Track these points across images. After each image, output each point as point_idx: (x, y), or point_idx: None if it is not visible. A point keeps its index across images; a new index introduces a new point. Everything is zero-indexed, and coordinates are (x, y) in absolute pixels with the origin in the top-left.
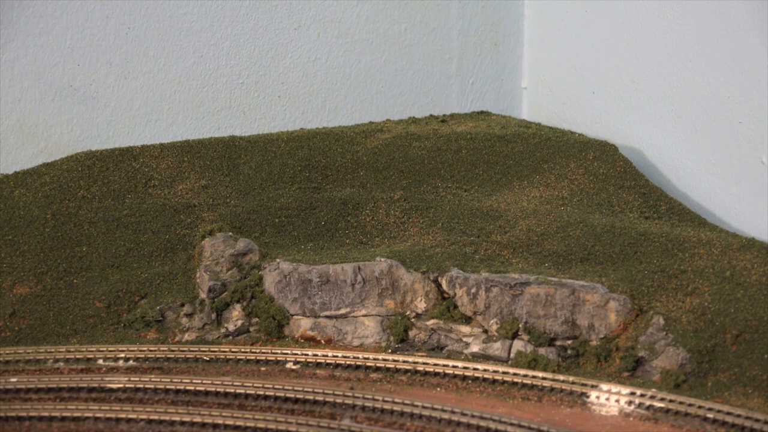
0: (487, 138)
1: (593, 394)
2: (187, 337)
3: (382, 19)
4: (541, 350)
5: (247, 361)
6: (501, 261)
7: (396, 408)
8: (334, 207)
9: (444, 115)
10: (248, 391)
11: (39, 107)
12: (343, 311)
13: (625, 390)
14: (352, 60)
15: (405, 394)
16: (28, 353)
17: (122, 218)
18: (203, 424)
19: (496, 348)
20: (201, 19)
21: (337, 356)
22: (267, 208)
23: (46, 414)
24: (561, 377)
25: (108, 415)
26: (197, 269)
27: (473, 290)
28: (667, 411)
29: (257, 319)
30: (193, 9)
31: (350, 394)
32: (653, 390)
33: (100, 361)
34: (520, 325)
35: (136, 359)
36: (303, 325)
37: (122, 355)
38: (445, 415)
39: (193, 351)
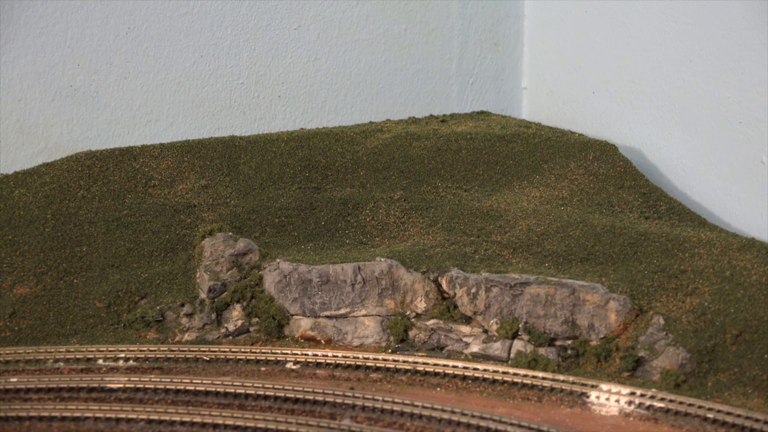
0: (487, 138)
1: (593, 394)
2: (187, 337)
3: (382, 19)
4: (541, 350)
5: (247, 361)
6: (501, 261)
7: (396, 408)
8: (334, 207)
9: (444, 115)
10: (248, 391)
11: (39, 107)
12: (343, 311)
13: (625, 390)
14: (352, 60)
15: (405, 394)
16: (28, 353)
17: (122, 218)
18: (203, 424)
19: (496, 348)
20: (201, 19)
21: (337, 356)
22: (267, 208)
23: (46, 414)
24: (561, 377)
25: (108, 415)
26: (197, 269)
27: (473, 290)
28: (667, 411)
29: (257, 319)
30: (193, 9)
31: (350, 394)
32: (653, 390)
33: (100, 361)
34: (520, 325)
35: (136, 359)
36: (303, 325)
37: (122, 355)
38: (445, 415)
39: (193, 351)
